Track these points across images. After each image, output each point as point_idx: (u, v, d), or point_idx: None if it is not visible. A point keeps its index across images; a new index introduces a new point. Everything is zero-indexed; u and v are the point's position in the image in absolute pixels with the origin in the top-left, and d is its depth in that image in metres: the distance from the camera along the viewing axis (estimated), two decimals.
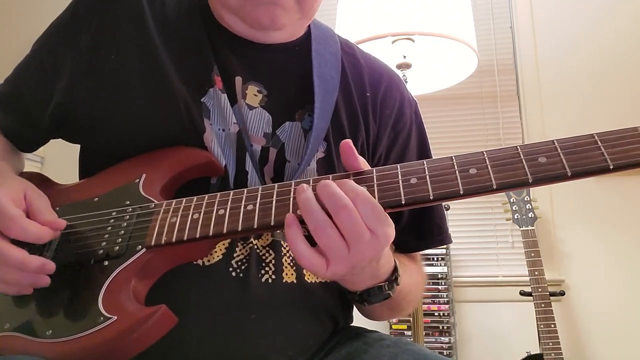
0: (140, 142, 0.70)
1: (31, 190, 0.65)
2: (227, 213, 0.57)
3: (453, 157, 0.54)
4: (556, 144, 0.52)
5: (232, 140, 0.70)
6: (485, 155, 0.53)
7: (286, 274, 0.68)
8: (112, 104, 0.70)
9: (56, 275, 0.60)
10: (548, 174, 0.50)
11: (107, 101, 0.70)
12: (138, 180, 0.67)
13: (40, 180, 0.76)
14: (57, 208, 0.68)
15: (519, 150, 0.52)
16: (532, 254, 2.00)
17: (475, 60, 1.91)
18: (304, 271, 0.70)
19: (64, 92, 0.72)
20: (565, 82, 2.38)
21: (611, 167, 0.49)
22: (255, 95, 0.74)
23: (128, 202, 0.65)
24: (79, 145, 0.80)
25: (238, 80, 0.74)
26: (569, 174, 0.50)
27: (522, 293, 2.07)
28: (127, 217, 0.63)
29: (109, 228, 0.63)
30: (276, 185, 0.58)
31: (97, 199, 0.68)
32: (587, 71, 2.36)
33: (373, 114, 0.80)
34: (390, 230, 0.53)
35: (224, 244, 0.65)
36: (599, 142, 0.50)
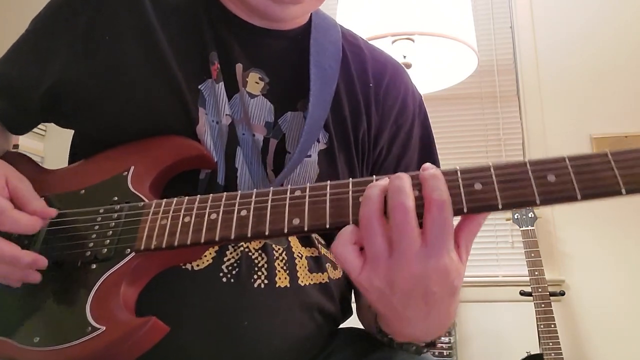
0: (131, 129, 0.67)
1: (12, 174, 0.62)
2: (220, 218, 0.55)
3: (458, 170, 0.51)
4: (567, 161, 0.48)
5: (223, 134, 0.67)
6: (492, 170, 0.50)
7: (279, 278, 0.65)
8: (105, 87, 0.68)
9: (43, 275, 0.59)
10: (557, 195, 0.47)
11: (99, 84, 0.68)
12: (126, 173, 0.65)
13: (23, 162, 0.73)
14: (42, 198, 0.65)
15: (528, 166, 0.49)
16: (532, 254, 2.00)
17: (475, 60, 1.91)
18: (298, 274, 0.67)
19: (58, 74, 0.70)
20: (565, 82, 2.38)
21: (623, 192, 0.46)
22: (257, 82, 0.72)
23: (116, 198, 0.63)
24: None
25: (238, 67, 0.71)
26: (579, 196, 0.46)
27: (522, 293, 2.07)
28: (115, 215, 0.61)
29: (96, 227, 0.60)
30: (271, 190, 0.55)
31: (83, 191, 0.66)
32: (587, 71, 2.36)
33: (376, 106, 0.77)
34: (445, 262, 0.48)
35: (213, 247, 0.63)
36: (612, 162, 0.47)
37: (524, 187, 0.48)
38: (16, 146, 0.84)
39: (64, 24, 0.72)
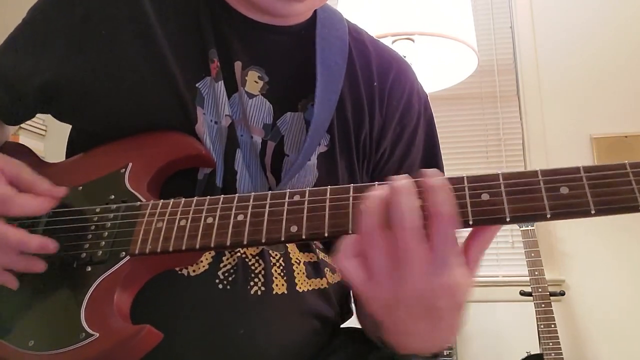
0: (128, 126, 0.66)
1: (7, 162, 0.61)
2: (216, 223, 0.53)
3: (465, 178, 0.48)
4: (582, 172, 0.45)
5: (222, 135, 0.65)
6: (501, 179, 0.47)
7: (276, 285, 0.64)
8: (100, 83, 0.67)
9: (39, 275, 0.58)
10: (569, 210, 0.44)
11: (95, 79, 0.67)
12: (124, 170, 0.64)
13: (23, 153, 0.73)
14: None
15: (539, 176, 0.46)
16: (532, 254, 2.00)
17: (475, 60, 1.91)
18: (296, 280, 0.65)
19: (53, 67, 0.69)
20: (565, 82, 2.38)
21: None
22: (256, 82, 0.69)
23: (112, 197, 0.62)
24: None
25: (237, 65, 0.69)
26: (593, 211, 0.43)
27: (522, 293, 2.07)
28: (111, 216, 0.60)
29: (92, 227, 0.60)
30: (269, 194, 0.53)
31: (81, 187, 0.65)
32: (587, 71, 2.36)
33: (379, 106, 0.74)
34: (452, 278, 0.46)
35: (210, 252, 0.62)
36: (631, 175, 0.43)
37: (534, 200, 0.45)
38: None
39: (60, 15, 0.70)
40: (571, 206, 0.44)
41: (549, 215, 0.44)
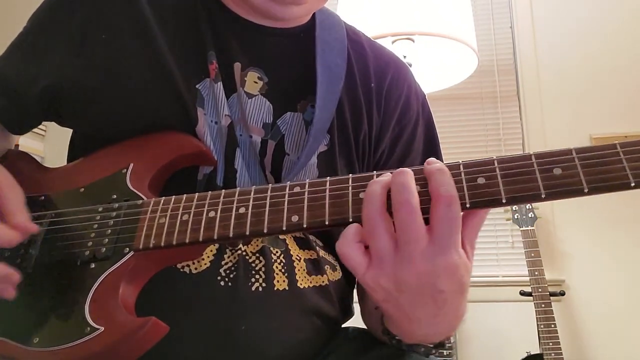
0: (129, 129, 0.66)
1: (5, 183, 0.61)
2: (218, 216, 0.54)
3: (461, 164, 0.49)
4: (574, 153, 0.46)
5: (222, 135, 0.66)
6: (496, 163, 0.48)
7: (277, 281, 0.64)
8: (102, 86, 0.67)
9: (42, 275, 0.59)
10: (563, 189, 0.45)
11: (96, 83, 0.68)
12: (125, 170, 0.65)
13: (24, 161, 0.73)
14: (42, 197, 0.66)
15: (533, 159, 0.47)
16: (532, 254, 2.00)
17: (475, 60, 1.91)
18: (297, 277, 0.66)
19: (55, 73, 0.69)
20: (565, 82, 2.38)
21: (632, 184, 0.44)
22: (255, 82, 0.70)
23: (115, 196, 0.63)
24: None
25: (237, 66, 0.70)
26: (586, 190, 0.45)
27: (522, 293, 2.07)
28: (114, 214, 0.60)
29: (95, 226, 0.60)
30: (270, 187, 0.55)
31: (83, 189, 0.66)
32: (587, 71, 2.36)
33: (377, 106, 0.75)
34: (453, 259, 0.46)
35: (211, 250, 0.63)
36: (621, 154, 0.45)
37: (529, 181, 0.46)
38: (16, 146, 0.84)
39: (60, 22, 0.71)
40: (565, 186, 0.45)
41: (543, 195, 0.46)
